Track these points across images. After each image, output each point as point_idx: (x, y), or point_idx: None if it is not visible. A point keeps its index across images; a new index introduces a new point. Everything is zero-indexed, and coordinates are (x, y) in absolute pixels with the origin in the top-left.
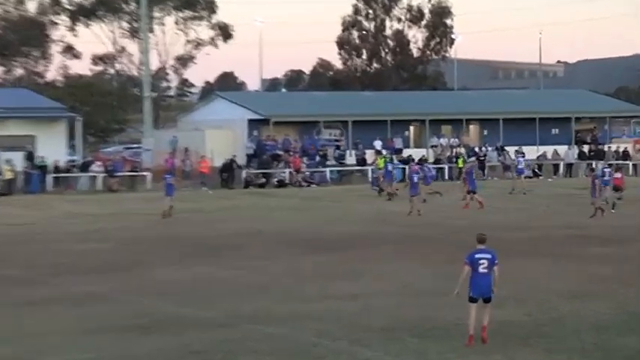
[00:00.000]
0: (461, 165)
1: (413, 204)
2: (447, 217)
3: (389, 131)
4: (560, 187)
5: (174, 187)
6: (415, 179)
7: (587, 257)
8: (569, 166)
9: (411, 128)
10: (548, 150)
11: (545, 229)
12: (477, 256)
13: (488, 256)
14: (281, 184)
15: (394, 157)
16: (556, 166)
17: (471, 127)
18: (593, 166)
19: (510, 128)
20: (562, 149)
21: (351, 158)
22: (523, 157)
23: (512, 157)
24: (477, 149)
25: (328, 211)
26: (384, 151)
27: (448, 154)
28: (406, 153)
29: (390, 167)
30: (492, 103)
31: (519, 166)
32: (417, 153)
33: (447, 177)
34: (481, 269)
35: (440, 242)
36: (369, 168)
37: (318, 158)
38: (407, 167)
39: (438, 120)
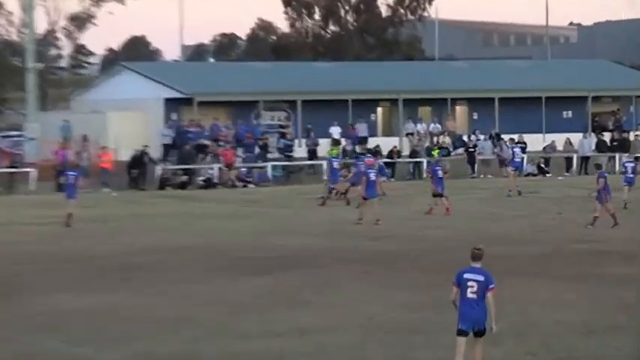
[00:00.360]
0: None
1: (366, 209)
2: (424, 227)
3: (350, 114)
4: (574, 188)
5: (76, 188)
6: (372, 176)
7: (606, 279)
8: (585, 159)
9: (379, 110)
10: (558, 139)
11: (554, 242)
12: (465, 275)
13: (480, 277)
14: (208, 184)
15: (357, 147)
16: (568, 160)
17: (458, 108)
18: (600, 161)
19: (509, 110)
20: (576, 138)
21: (300, 150)
22: (523, 149)
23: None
24: (465, 138)
25: (271, 220)
26: (342, 141)
27: (427, 144)
28: (373, 143)
29: (335, 164)
30: (485, 77)
31: (515, 159)
32: (386, 143)
33: (425, 174)
34: (469, 293)
35: (415, 260)
36: (324, 162)
37: (257, 150)
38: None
39: (415, 100)
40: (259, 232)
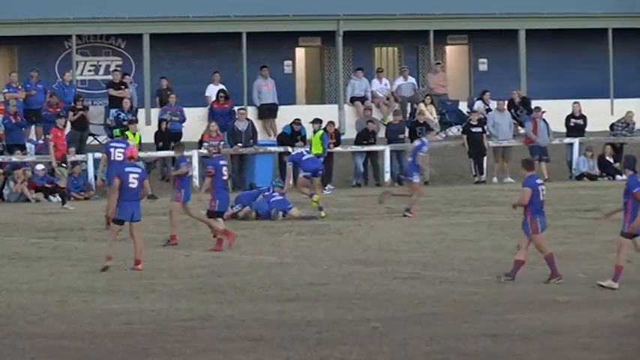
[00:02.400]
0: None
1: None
2: (381, 276)
3: (244, 62)
4: None
5: None
6: (133, 181)
7: None
8: None
9: (300, 53)
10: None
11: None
12: None
13: None
14: None
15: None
16: None
17: (450, 50)
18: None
19: (545, 55)
20: None
21: (150, 129)
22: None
23: (548, 124)
24: (463, 106)
25: (90, 264)
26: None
27: (391, 118)
28: (288, 116)
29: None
30: None
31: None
32: (314, 117)
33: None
34: None
35: (370, 340)
36: (194, 152)
37: (67, 129)
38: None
39: (368, 33)
40: (69, 289)
